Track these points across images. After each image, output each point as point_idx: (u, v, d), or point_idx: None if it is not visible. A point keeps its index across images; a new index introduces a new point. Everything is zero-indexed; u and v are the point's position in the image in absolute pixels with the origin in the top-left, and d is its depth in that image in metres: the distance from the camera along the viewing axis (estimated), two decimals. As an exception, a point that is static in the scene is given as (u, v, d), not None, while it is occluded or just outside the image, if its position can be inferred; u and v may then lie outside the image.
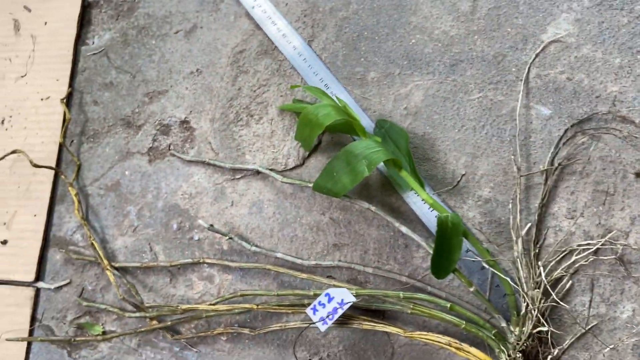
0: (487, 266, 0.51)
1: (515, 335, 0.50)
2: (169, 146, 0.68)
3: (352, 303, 0.53)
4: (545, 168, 0.56)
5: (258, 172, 0.64)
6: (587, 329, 0.52)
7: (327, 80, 0.65)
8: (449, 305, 0.52)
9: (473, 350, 0.50)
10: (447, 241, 0.51)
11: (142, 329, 0.62)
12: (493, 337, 0.51)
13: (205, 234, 0.64)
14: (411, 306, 0.53)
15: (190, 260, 0.63)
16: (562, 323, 0.54)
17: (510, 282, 0.51)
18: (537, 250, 0.55)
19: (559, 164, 0.56)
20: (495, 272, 0.51)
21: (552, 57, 0.59)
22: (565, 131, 0.57)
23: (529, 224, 0.55)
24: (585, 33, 0.59)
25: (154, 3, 0.73)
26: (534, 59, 0.60)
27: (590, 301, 0.53)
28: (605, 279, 0.53)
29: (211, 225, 0.62)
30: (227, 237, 0.62)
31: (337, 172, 0.55)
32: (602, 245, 0.53)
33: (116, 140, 0.70)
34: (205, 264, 0.63)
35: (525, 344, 0.49)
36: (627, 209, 0.54)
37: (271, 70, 0.67)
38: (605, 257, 0.53)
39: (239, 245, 0.62)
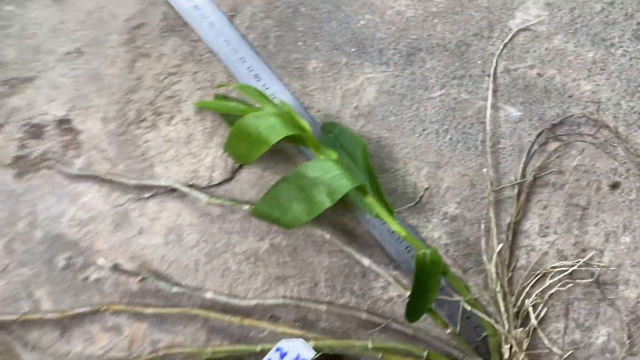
0: (467, 306, 0.44)
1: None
2: (45, 155, 0.51)
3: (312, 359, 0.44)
4: (518, 181, 0.49)
5: (174, 190, 0.50)
6: (563, 359, 0.48)
7: (258, 69, 0.51)
8: (425, 353, 0.45)
9: (455, 405, 0.43)
10: (424, 281, 0.43)
11: (28, 407, 0.47)
12: (476, 387, 0.44)
13: (106, 272, 0.49)
14: (380, 356, 0.45)
15: (87, 309, 0.48)
16: (536, 351, 0.49)
17: (493, 322, 0.44)
18: (510, 274, 0.49)
19: (534, 176, 0.50)
20: (478, 313, 0.44)
21: (521, 49, 0.52)
22: (537, 136, 0.50)
23: (501, 245, 0.49)
24: (556, 20, 0.52)
25: (5, -49, 0.52)
26: (501, 50, 0.52)
27: (565, 328, 0.49)
28: (579, 302, 0.49)
29: (115, 265, 0.47)
30: (140, 278, 0.48)
31: (285, 199, 0.43)
32: (578, 266, 0.48)
33: (-36, 147, 0.51)
34: (109, 312, 0.49)
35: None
36: (601, 224, 0.49)
37: (182, 54, 0.52)
38: (581, 280, 0.49)
39: (154, 286, 0.49)
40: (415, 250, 0.43)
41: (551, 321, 0.49)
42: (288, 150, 0.51)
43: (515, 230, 0.50)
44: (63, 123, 0.51)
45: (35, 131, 0.51)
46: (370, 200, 0.44)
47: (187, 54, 0.52)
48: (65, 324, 0.49)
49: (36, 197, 0.50)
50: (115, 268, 0.47)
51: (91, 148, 0.51)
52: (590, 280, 0.49)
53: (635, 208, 0.49)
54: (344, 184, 0.42)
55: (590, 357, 0.49)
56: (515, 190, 0.50)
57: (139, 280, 0.48)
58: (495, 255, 0.48)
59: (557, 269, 0.49)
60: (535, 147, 0.50)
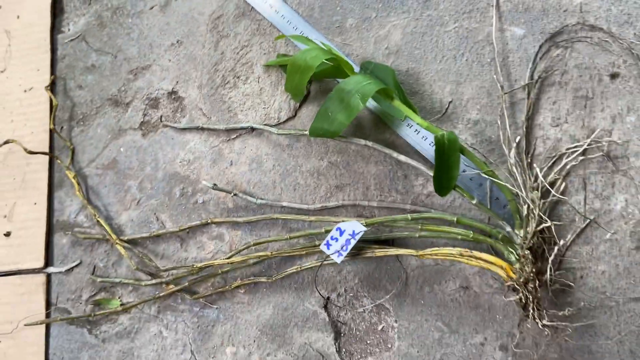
0: (485, 176, 0.54)
1: (521, 236, 0.53)
2: (161, 118, 0.69)
3: (363, 232, 0.55)
4: (526, 83, 0.59)
5: (252, 129, 0.66)
6: (586, 221, 0.55)
7: (307, 32, 0.66)
8: (455, 218, 0.55)
9: (484, 255, 0.52)
10: (445, 158, 0.53)
11: (160, 294, 0.63)
12: (501, 242, 0.53)
13: (209, 196, 0.65)
14: (419, 227, 0.56)
15: (198, 223, 0.64)
16: (561, 222, 0.56)
17: (510, 187, 0.54)
18: (529, 160, 0.58)
19: (539, 77, 0.59)
20: (494, 180, 0.53)
21: (518, -19, 0.62)
22: (540, 47, 0.60)
23: (518, 137, 0.58)
24: (545, -46, 0.62)
25: (125, -17, 0.74)
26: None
27: (585, 198, 0.56)
28: (595, 176, 0.56)
29: (215, 185, 0.63)
30: (232, 194, 0.63)
31: (331, 112, 0.57)
32: (588, 145, 0.56)
33: (106, 120, 0.70)
34: (213, 224, 0.64)
35: (531, 242, 0.52)
36: (606, 109, 0.57)
37: (251, 31, 0.69)
38: (593, 156, 0.56)
39: (244, 201, 0.64)
40: (434, 134, 0.54)
41: (571, 194, 0.57)
42: (336, 88, 0.65)
43: (529, 124, 0.59)
44: (172, 94, 0.70)
45: (153, 102, 0.70)
46: (397, 103, 0.56)
47: (255, 30, 0.68)
48: (183, 237, 0.65)
49: (157, 148, 0.68)
50: (215, 186, 0.63)
51: (192, 108, 0.68)
52: (602, 154, 0.56)
53: (637, 92, 0.57)
54: (372, 88, 0.54)
55: (611, 221, 0.55)
56: (526, 91, 0.59)
57: (233, 196, 0.63)
58: (514, 144, 0.57)
59: (571, 150, 0.57)
60: (540, 55, 0.60)
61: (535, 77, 0.59)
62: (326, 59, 0.57)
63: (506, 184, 0.53)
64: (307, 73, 0.58)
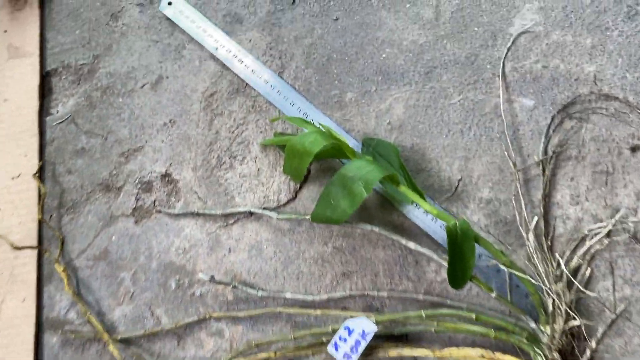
0: (504, 267, 0.49)
1: (548, 334, 0.48)
2: (154, 203, 0.65)
3: (374, 332, 0.51)
4: (540, 158, 0.55)
5: (251, 214, 0.62)
6: (617, 314, 0.51)
7: (305, 108, 0.63)
8: (474, 315, 0.50)
9: (508, 357, 0.48)
10: (459, 249, 0.49)
11: (157, 400, 0.58)
12: (525, 341, 0.49)
13: (207, 288, 0.61)
14: (435, 324, 0.51)
15: (195, 318, 0.60)
16: (589, 313, 0.52)
17: (532, 279, 0.49)
18: (549, 243, 0.54)
19: (553, 152, 0.55)
20: (514, 272, 0.49)
21: (524, 49, 0.59)
22: (552, 118, 0.57)
23: (536, 217, 0.54)
24: (551, 20, 0.59)
25: (115, 60, 0.71)
26: (506, 54, 0.60)
27: (613, 284, 0.52)
28: (623, 260, 0.52)
29: (212, 277, 0.59)
30: (231, 286, 0.59)
31: (334, 198, 0.53)
32: (613, 226, 0.52)
33: (97, 206, 0.67)
34: (212, 319, 0.60)
35: (560, 343, 0.47)
36: (629, 185, 0.53)
37: (246, 108, 0.66)
38: (619, 238, 0.52)
39: (245, 293, 0.60)
40: (446, 223, 0.50)
41: (598, 280, 0.52)
42: (336, 167, 0.61)
43: (547, 203, 0.55)
44: (165, 177, 0.66)
45: (146, 186, 0.66)
46: (403, 188, 0.52)
47: (250, 107, 0.65)
48: (180, 333, 0.61)
49: (150, 235, 0.64)
50: (213, 279, 0.59)
51: (187, 192, 0.65)
52: (629, 236, 0.52)
53: (661, 165, 0.53)
54: (376, 175, 0.51)
55: (644, 309, 0.51)
56: (541, 168, 0.55)
57: (232, 288, 0.59)
58: (531, 227, 0.53)
59: (594, 231, 0.53)
60: (552, 128, 0.56)
61: (550, 151, 0.56)
62: (326, 144, 0.53)
63: (527, 277, 0.49)
64: (306, 158, 0.54)
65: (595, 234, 0.53)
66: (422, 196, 0.53)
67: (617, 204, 0.53)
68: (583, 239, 0.53)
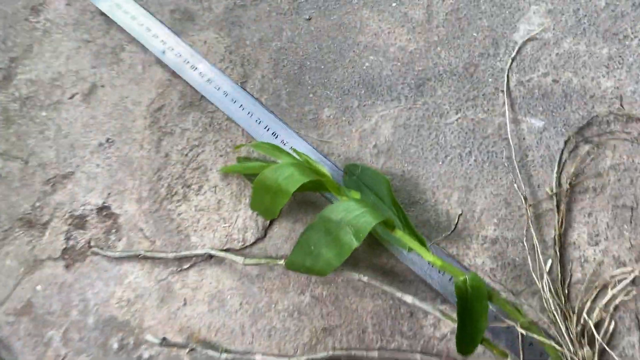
0: (522, 331, 0.41)
1: (574, 409, 0.41)
2: (89, 243, 0.53)
3: (367, 410, 0.42)
4: (555, 191, 0.47)
5: (211, 257, 0.51)
6: (645, 375, 0.44)
7: (274, 127, 0.53)
8: (486, 387, 0.42)
9: None
10: (469, 309, 0.41)
11: None
12: (549, 418, 0.41)
13: (158, 348, 0.50)
14: (440, 396, 0.43)
15: (144, 387, 0.49)
16: (613, 371, 0.45)
17: (555, 344, 0.41)
18: (566, 292, 0.46)
19: (569, 184, 0.47)
20: (536, 336, 0.41)
21: (530, 59, 0.51)
22: (565, 143, 0.49)
23: (550, 261, 0.46)
24: (561, 25, 0.51)
25: (36, 65, 0.58)
26: (510, 64, 0.51)
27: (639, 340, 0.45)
28: (650, 310, 0.45)
29: (163, 339, 0.48)
30: (188, 349, 0.48)
31: (315, 246, 0.43)
32: (639, 271, 0.45)
33: (17, 247, 0.54)
34: (165, 388, 0.49)
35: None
36: (655, 222, 0.46)
37: (202, 126, 0.54)
38: (647, 285, 0.45)
39: (204, 355, 0.49)
40: (454, 278, 0.41)
41: (622, 335, 0.45)
42: (315, 199, 0.51)
43: (562, 243, 0.47)
44: (102, 210, 0.54)
45: (79, 222, 0.54)
46: (400, 233, 0.43)
47: (207, 124, 0.54)
48: (125, 405, 0.50)
49: (85, 284, 0.53)
50: (165, 342, 0.48)
51: (130, 229, 0.53)
52: (655, 284, 0.45)
53: (690, 199, 0.46)
54: (368, 221, 0.41)
55: (676, 369, 0.44)
56: (554, 202, 0.47)
57: (189, 352, 0.48)
58: (545, 272, 0.45)
59: (617, 277, 0.45)
60: (566, 153, 0.48)
61: (564, 182, 0.48)
62: (305, 181, 0.43)
63: (550, 342, 0.41)
64: (281, 198, 0.44)
65: (619, 280, 0.45)
66: (423, 243, 0.44)
67: (643, 245, 0.46)
68: (605, 287, 0.45)
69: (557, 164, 0.48)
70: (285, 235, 0.51)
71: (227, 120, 0.54)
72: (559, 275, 0.46)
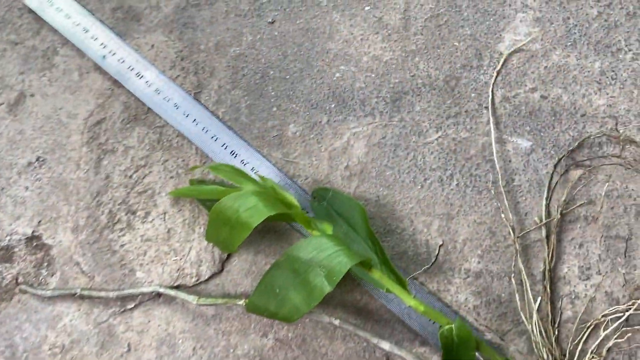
0: (513, 384, 0.37)
1: None
2: (17, 279, 0.46)
3: None
4: (544, 221, 0.43)
5: (159, 295, 0.45)
6: None
7: (233, 145, 0.46)
8: None
9: None
10: (455, 362, 0.36)
11: None
12: None
13: (98, 401, 0.44)
14: None
15: None
16: (605, 419, 0.41)
17: (548, 398, 0.37)
18: (556, 332, 0.42)
19: (560, 212, 0.43)
20: (528, 391, 0.37)
21: (517, 72, 0.46)
22: (555, 166, 0.44)
23: (539, 298, 0.42)
24: (550, 35, 0.46)
25: (-48, 69, 0.50)
26: (495, 78, 0.46)
27: (635, 385, 0.41)
28: (645, 352, 0.41)
29: (104, 394, 0.41)
30: (132, 405, 0.42)
31: (281, 288, 0.38)
32: (635, 309, 0.41)
33: None
34: None
35: None
36: (650, 254, 0.42)
37: (149, 143, 0.48)
38: (641, 325, 0.41)
39: (153, 410, 0.43)
40: (439, 325, 0.36)
41: (616, 379, 0.41)
42: (280, 227, 0.45)
43: (552, 277, 0.43)
44: (32, 240, 0.47)
45: (5, 254, 0.47)
46: (378, 274, 0.38)
47: (154, 142, 0.47)
48: None
49: (12, 327, 0.45)
50: (104, 397, 0.41)
51: (65, 263, 0.46)
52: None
53: (687, 229, 0.42)
54: (343, 262, 0.36)
55: (672, 416, 0.41)
56: (543, 232, 0.43)
57: (133, 407, 0.42)
58: (535, 311, 0.41)
59: (610, 316, 0.41)
60: (555, 178, 0.44)
61: (555, 211, 0.43)
62: (271, 214, 0.37)
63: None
64: (241, 232, 0.38)
65: (612, 320, 0.41)
66: (403, 285, 0.38)
67: (638, 279, 0.42)
68: (597, 326, 0.42)
69: (546, 189, 0.44)
70: (245, 269, 0.45)
71: (179, 136, 0.47)
72: (549, 314, 0.42)
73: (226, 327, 0.44)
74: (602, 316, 0.42)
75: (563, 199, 0.43)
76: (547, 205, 0.44)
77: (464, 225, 0.44)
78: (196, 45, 0.49)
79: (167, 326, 0.44)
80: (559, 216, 0.43)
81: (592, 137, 0.44)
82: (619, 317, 0.41)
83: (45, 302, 0.45)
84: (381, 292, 0.43)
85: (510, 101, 0.46)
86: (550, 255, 0.43)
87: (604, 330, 0.41)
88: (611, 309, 0.42)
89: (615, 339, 0.41)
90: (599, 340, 0.41)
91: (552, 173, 0.44)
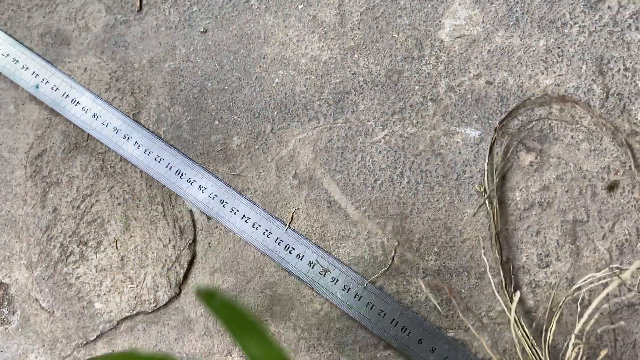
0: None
1: None
2: (-23, 322, 0.46)
3: None
4: (497, 211, 0.42)
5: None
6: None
7: (178, 164, 0.45)
8: None
9: None
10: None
11: None
12: None
13: None
14: None
15: None
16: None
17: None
18: (522, 324, 0.41)
19: (520, 203, 0.42)
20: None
21: (460, 59, 0.44)
22: (505, 154, 0.43)
23: (519, 293, 0.41)
24: (491, 16, 0.45)
25: None
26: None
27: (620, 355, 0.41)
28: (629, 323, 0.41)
29: None
30: None
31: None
32: (595, 285, 0.40)
33: None
34: None
35: None
36: (609, 235, 0.41)
37: (93, 171, 0.46)
38: (607, 305, 0.40)
39: None
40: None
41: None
42: (235, 243, 0.45)
43: (512, 267, 0.42)
44: (-12, 280, 0.46)
45: (-37, 297, 0.46)
46: None
47: (98, 169, 0.46)
48: None
49: (-21, 369, 0.45)
50: None
51: (23, 300, 0.46)
52: (622, 301, 0.40)
53: (644, 205, 0.41)
54: None
55: (640, 396, 0.40)
56: (493, 229, 0.42)
57: None
58: (515, 300, 0.40)
59: (570, 296, 0.41)
60: (506, 167, 0.43)
61: (509, 199, 0.42)
62: None
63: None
64: None
65: (573, 301, 0.41)
66: None
67: (598, 261, 0.41)
68: (562, 312, 0.41)
69: (496, 177, 0.43)
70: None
71: (122, 161, 0.46)
72: (511, 303, 0.41)
73: (189, 349, 0.44)
74: (565, 297, 0.41)
75: (514, 184, 0.42)
76: (497, 193, 0.43)
77: (419, 224, 0.43)
78: (130, 64, 0.47)
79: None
80: (512, 204, 0.42)
81: (541, 119, 0.43)
82: (578, 295, 0.41)
83: (8, 341, 0.45)
84: (341, 299, 0.43)
85: (456, 90, 0.44)
86: (500, 246, 0.42)
87: (568, 314, 0.41)
88: (571, 290, 0.41)
89: (582, 325, 0.40)
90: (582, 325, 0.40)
91: (503, 160, 0.43)
